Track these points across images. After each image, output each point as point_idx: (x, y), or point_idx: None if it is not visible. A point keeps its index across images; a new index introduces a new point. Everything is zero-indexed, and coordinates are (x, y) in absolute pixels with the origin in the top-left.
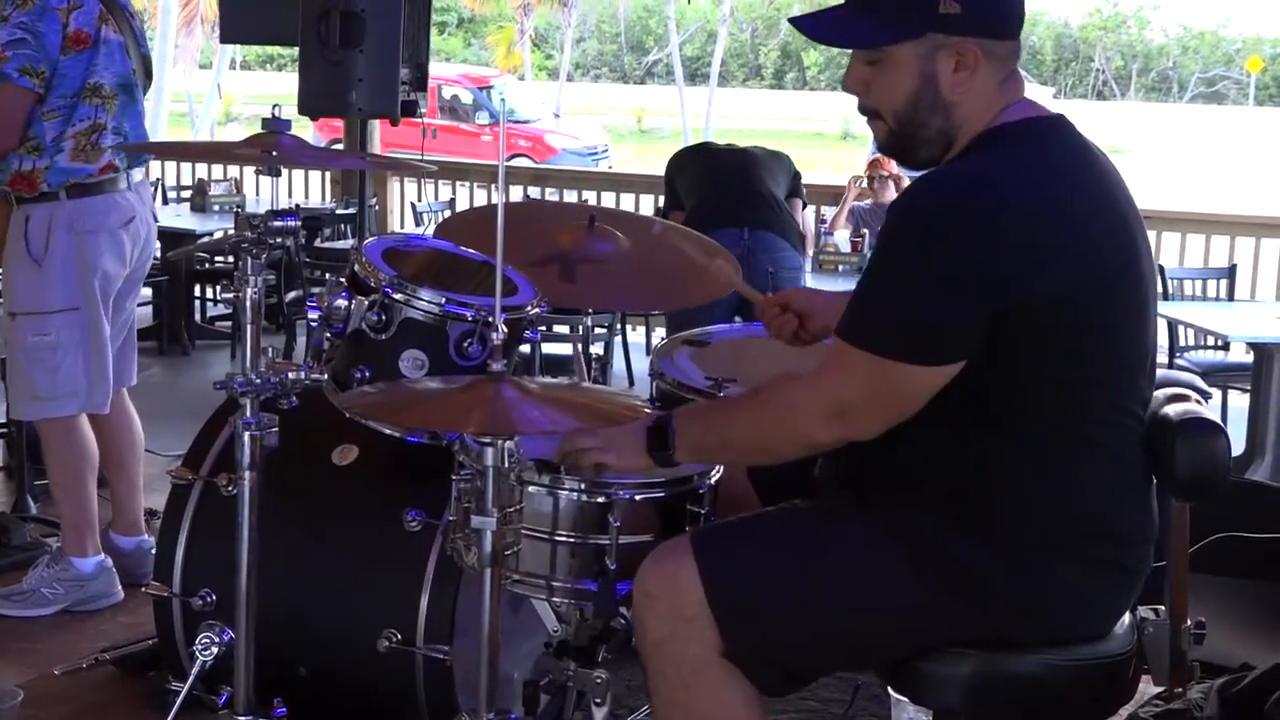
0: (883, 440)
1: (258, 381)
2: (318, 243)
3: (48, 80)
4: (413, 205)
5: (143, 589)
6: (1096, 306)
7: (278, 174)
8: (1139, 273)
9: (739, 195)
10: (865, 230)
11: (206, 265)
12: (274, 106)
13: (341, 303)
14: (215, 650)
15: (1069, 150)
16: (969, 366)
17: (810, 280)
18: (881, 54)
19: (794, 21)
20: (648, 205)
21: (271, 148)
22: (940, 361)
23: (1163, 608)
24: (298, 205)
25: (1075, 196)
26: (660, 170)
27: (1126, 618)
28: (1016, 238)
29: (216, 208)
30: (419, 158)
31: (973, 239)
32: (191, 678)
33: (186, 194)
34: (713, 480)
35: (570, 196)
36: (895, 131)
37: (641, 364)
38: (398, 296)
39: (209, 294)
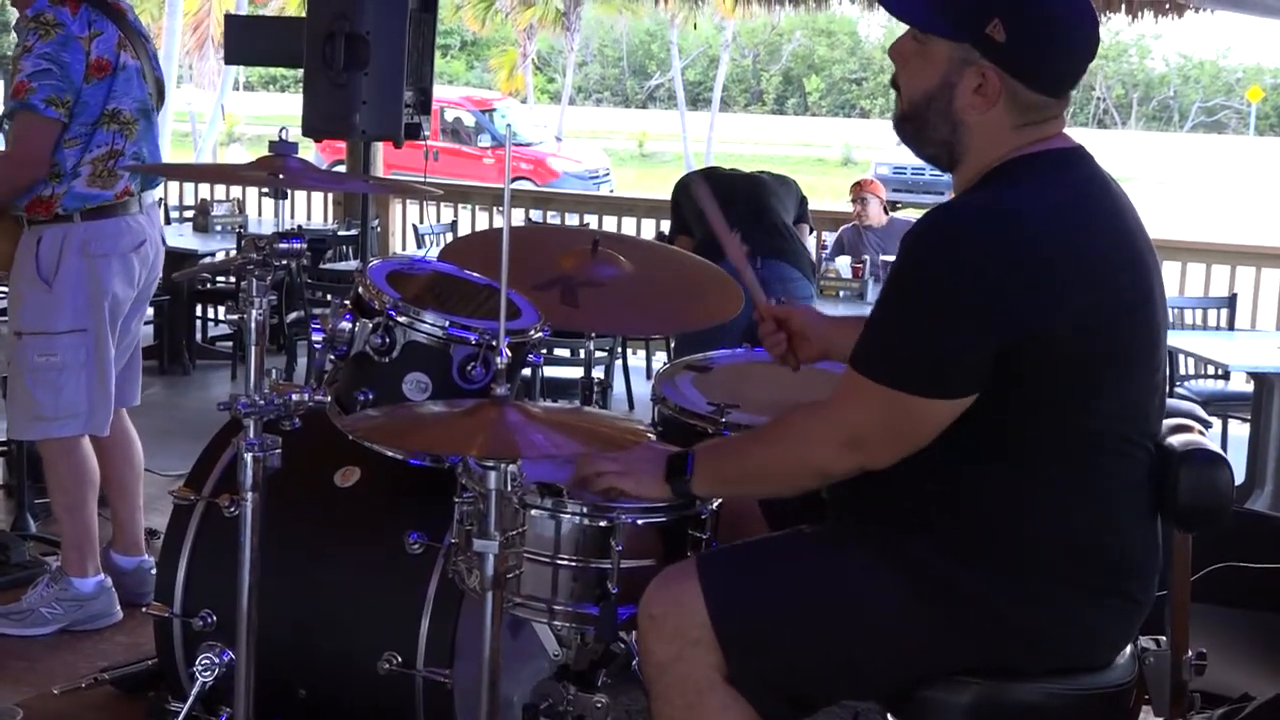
0: (891, 467)
1: (261, 403)
2: (321, 264)
3: (71, 109)
4: (414, 227)
5: (143, 609)
6: (1110, 340)
7: (284, 196)
8: (1152, 307)
9: (750, 225)
10: (866, 257)
11: (208, 285)
12: (281, 129)
13: (345, 325)
14: (215, 671)
15: (1086, 183)
16: (979, 397)
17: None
18: (926, 39)
19: None
20: (649, 229)
21: (278, 170)
22: (954, 394)
23: (1164, 638)
24: (300, 227)
25: (1091, 229)
26: (662, 194)
27: (1128, 648)
28: (1031, 271)
29: (219, 228)
30: (422, 180)
31: (987, 272)
32: (191, 698)
33: (189, 214)
34: (714, 505)
35: (572, 220)
36: (906, 115)
37: (642, 388)
38: (401, 319)
39: (210, 314)
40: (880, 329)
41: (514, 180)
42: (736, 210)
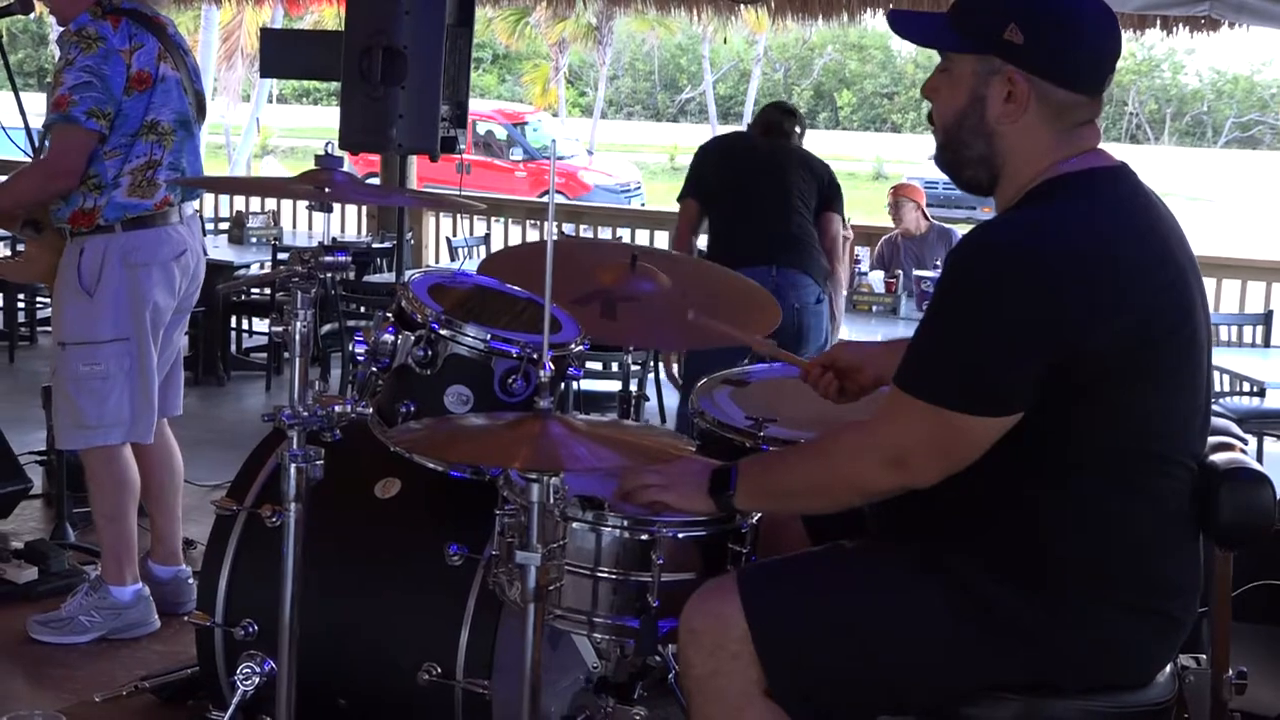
0: (933, 485)
1: (305, 414)
2: (364, 277)
3: (112, 121)
4: (448, 240)
5: (184, 618)
6: (1152, 358)
7: (329, 210)
8: (1195, 326)
9: (770, 231)
10: (900, 271)
11: (243, 297)
12: (326, 144)
13: (388, 338)
14: (256, 680)
15: (1128, 199)
16: (1022, 416)
17: (843, 321)
18: (951, 62)
19: (891, 14)
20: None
21: (325, 184)
22: (999, 412)
23: (1204, 656)
24: (334, 240)
25: (1133, 247)
26: None
27: (1168, 666)
28: (1073, 289)
29: (254, 240)
30: (457, 193)
31: (1030, 290)
32: (232, 707)
33: (224, 226)
34: (754, 520)
35: (604, 233)
36: (942, 144)
37: (674, 401)
38: (444, 332)
39: (245, 325)
40: (924, 347)
41: (545, 193)
42: (759, 208)
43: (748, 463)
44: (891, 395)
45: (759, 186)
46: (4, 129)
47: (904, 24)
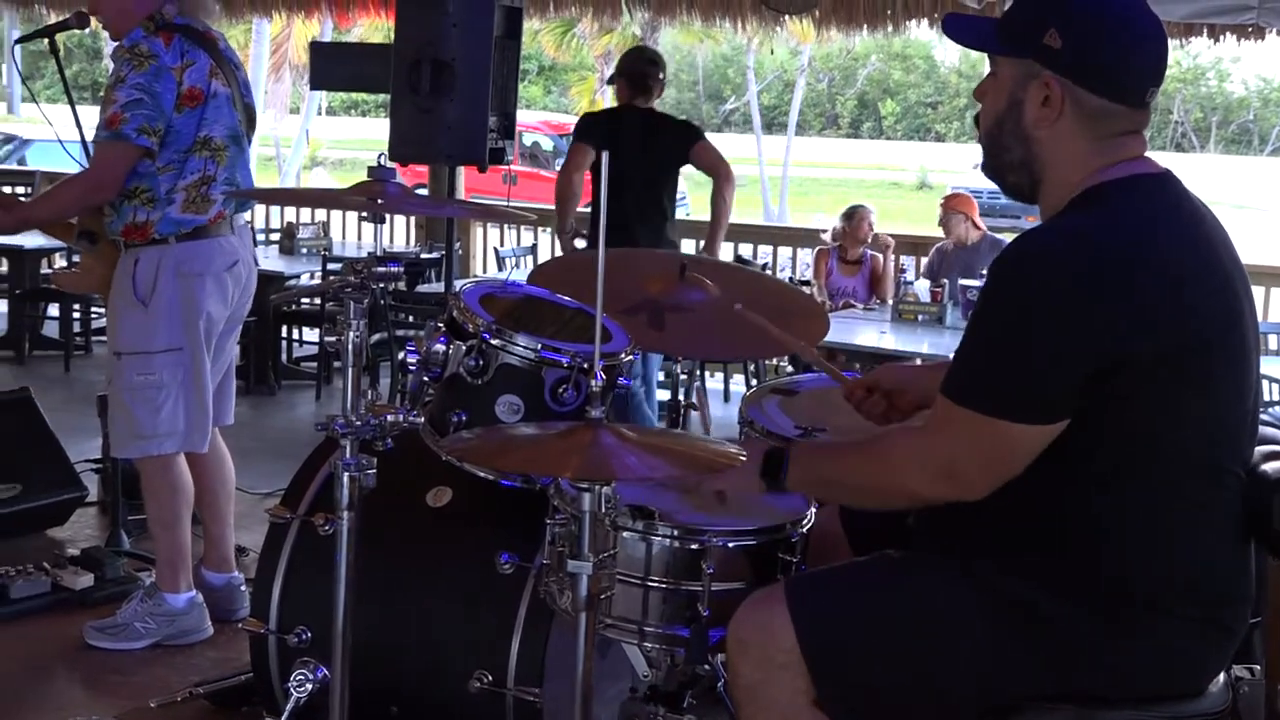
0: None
1: (358, 424)
2: (416, 288)
3: (162, 137)
4: (495, 250)
5: (238, 625)
6: (1197, 366)
7: (382, 221)
8: (1241, 333)
9: (635, 207)
10: (945, 280)
11: (293, 306)
12: (379, 155)
13: (440, 347)
14: (309, 687)
15: (1174, 207)
16: (1070, 424)
17: (889, 329)
18: (996, 66)
19: (946, 18)
20: (727, 252)
21: (378, 195)
22: (1045, 420)
23: (1258, 666)
24: (384, 250)
25: (1179, 254)
26: (741, 219)
27: (1221, 676)
28: (1116, 295)
29: (304, 250)
30: (506, 203)
31: (1070, 296)
32: (286, 714)
33: (274, 237)
34: (804, 529)
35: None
36: (985, 148)
37: (719, 410)
38: (495, 342)
39: (295, 335)
40: (969, 357)
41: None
42: (629, 185)
43: (802, 450)
44: (939, 405)
45: (631, 165)
46: (60, 142)
47: (955, 27)
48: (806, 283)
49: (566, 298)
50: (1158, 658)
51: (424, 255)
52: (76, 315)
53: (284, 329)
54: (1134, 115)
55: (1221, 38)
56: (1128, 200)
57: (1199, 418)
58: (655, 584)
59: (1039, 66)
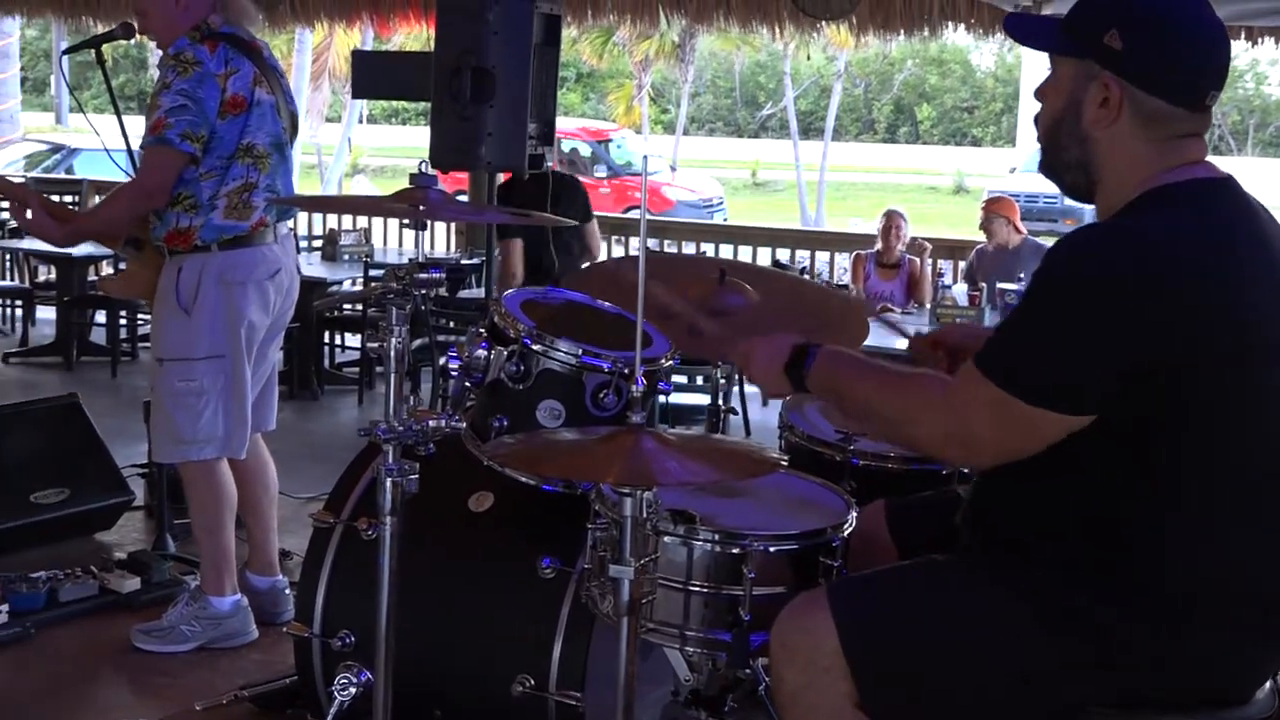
0: (1029, 498)
1: (401, 429)
2: (458, 294)
3: (206, 143)
4: None
5: (282, 628)
6: (1259, 371)
7: (424, 228)
8: None
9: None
10: (983, 284)
11: (336, 312)
12: (420, 163)
13: (482, 353)
14: (353, 691)
15: (1231, 214)
16: (1120, 429)
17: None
18: (1056, 65)
19: (1008, 17)
20: (765, 257)
21: (420, 202)
22: (1068, 410)
23: None
24: (426, 256)
25: (1237, 257)
26: (778, 223)
27: (1268, 683)
28: (1157, 298)
29: (346, 257)
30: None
31: (1112, 293)
32: (329, 717)
33: (317, 243)
34: (845, 534)
35: (688, 248)
36: (1043, 147)
37: (757, 414)
38: (536, 347)
39: (338, 340)
40: (1006, 333)
41: (629, 209)
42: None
43: (829, 354)
44: (966, 370)
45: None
46: (107, 151)
47: (1017, 26)
48: (844, 287)
49: (606, 303)
50: (1205, 663)
51: (464, 261)
52: (123, 322)
53: (326, 335)
54: (1193, 118)
55: (1260, 40)
56: (1183, 203)
57: (1254, 423)
58: (697, 588)
59: (1099, 67)
